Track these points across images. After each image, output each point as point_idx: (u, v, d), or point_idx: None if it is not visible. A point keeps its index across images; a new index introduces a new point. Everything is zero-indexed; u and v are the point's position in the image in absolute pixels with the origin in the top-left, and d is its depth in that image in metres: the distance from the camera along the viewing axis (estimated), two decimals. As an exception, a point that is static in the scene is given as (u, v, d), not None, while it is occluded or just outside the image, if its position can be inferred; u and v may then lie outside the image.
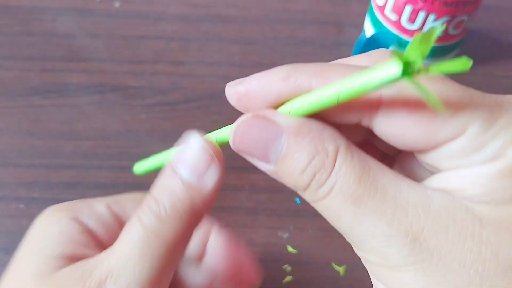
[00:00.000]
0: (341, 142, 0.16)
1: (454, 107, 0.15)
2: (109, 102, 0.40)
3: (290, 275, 0.33)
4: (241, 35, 0.47)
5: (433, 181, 0.16)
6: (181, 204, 0.18)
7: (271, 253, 0.34)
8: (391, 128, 0.16)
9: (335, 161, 0.15)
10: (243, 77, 0.18)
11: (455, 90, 0.16)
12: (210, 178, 0.18)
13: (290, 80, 0.16)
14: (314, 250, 0.34)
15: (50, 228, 0.20)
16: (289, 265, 0.33)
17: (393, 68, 0.13)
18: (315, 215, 0.37)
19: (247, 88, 0.17)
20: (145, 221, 0.18)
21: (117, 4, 0.48)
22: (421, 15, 0.40)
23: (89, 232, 0.21)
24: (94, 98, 0.41)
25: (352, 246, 0.17)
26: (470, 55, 0.51)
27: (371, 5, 0.44)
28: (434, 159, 0.16)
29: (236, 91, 0.17)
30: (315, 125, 0.16)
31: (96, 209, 0.22)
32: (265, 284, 0.32)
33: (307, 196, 0.16)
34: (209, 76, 0.43)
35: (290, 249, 0.34)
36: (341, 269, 0.33)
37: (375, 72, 0.14)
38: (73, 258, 0.19)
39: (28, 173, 0.37)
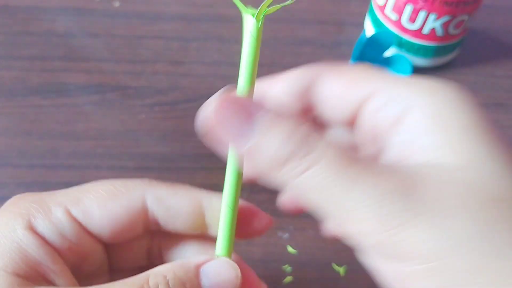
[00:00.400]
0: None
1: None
2: (108, 102, 0.40)
3: (290, 275, 0.33)
4: (241, 35, 0.46)
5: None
6: None
7: (271, 253, 0.33)
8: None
9: (318, 137, 0.16)
10: None
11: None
12: None
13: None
14: (314, 250, 0.34)
15: (3, 240, 0.18)
16: (289, 266, 0.33)
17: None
18: (315, 215, 0.37)
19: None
20: None
21: (116, 4, 0.48)
22: (422, 15, 0.40)
23: (45, 244, 0.19)
24: (93, 98, 0.41)
25: (342, 227, 0.17)
26: (470, 55, 0.51)
27: (371, 4, 0.44)
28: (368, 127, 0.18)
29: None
30: (284, 114, 0.17)
31: (53, 216, 0.19)
32: (265, 284, 0.32)
33: (287, 171, 0.16)
34: (208, 76, 0.43)
35: (290, 249, 0.34)
36: (341, 270, 0.33)
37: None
38: (27, 278, 0.18)
39: (27, 173, 0.37)
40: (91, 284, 0.17)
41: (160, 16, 0.47)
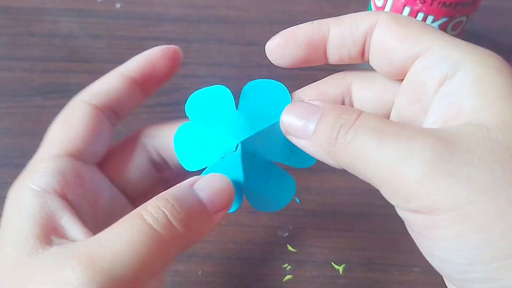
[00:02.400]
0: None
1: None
2: (110, 103, 0.41)
3: (289, 274, 0.33)
4: (241, 36, 0.47)
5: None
6: (195, 219, 0.19)
7: (271, 252, 0.34)
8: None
9: (359, 114, 0.18)
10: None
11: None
12: (221, 215, 0.20)
13: (314, 24, 0.22)
14: (313, 249, 0.34)
15: (27, 205, 0.20)
16: (289, 264, 0.33)
17: None
18: (315, 215, 0.38)
19: (284, 38, 0.23)
20: (151, 221, 0.18)
21: (118, 5, 0.49)
22: (420, 16, 0.40)
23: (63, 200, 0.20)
24: (95, 99, 0.41)
25: (383, 190, 0.18)
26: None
27: (370, 6, 0.45)
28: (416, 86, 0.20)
29: (276, 42, 0.23)
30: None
31: (54, 165, 0.21)
32: (265, 283, 0.33)
33: (337, 146, 0.18)
34: (209, 76, 0.43)
35: (289, 248, 0.34)
36: (340, 268, 0.33)
37: None
38: (52, 233, 0.19)
39: (30, 173, 0.37)
40: None
41: (162, 17, 0.48)
